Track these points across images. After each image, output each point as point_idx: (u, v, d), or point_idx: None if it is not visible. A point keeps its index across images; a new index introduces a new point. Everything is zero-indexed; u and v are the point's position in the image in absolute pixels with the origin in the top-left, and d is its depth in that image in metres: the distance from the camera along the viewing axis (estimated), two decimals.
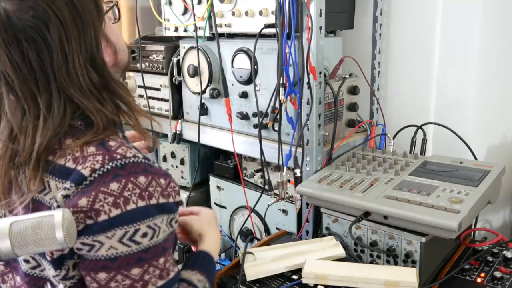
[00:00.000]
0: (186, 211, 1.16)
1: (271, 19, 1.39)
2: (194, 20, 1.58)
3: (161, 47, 1.79)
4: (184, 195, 1.90)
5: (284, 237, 1.40)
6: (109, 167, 0.80)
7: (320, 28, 1.32)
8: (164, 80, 1.82)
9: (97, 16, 0.88)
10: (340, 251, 1.21)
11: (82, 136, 0.84)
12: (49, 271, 0.84)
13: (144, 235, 0.79)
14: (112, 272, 0.79)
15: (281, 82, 1.35)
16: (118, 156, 0.81)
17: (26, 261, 0.87)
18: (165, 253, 0.84)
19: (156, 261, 0.82)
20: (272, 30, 1.37)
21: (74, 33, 0.83)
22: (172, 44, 1.79)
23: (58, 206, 0.79)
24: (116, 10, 1.00)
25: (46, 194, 0.83)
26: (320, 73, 1.36)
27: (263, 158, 1.47)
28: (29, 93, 0.83)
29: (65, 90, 0.83)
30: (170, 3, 1.68)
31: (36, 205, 0.84)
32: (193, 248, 1.74)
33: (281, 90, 1.36)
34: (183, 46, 1.71)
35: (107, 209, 0.77)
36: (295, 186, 1.37)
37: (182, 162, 1.92)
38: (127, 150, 0.83)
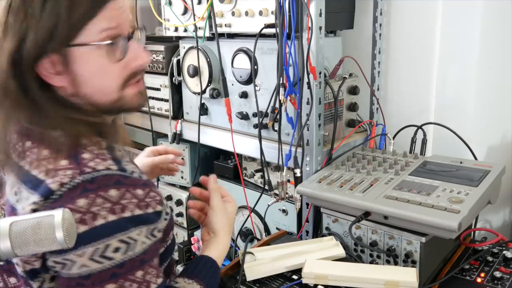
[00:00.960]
0: (220, 192, 1.09)
1: (271, 19, 1.39)
2: (194, 20, 1.58)
3: (161, 47, 1.79)
4: (184, 195, 1.90)
5: (284, 237, 1.40)
6: (78, 181, 0.77)
7: (320, 28, 1.32)
8: (164, 80, 1.82)
9: (66, 27, 0.79)
10: (340, 251, 1.21)
11: (48, 143, 0.82)
12: (28, 280, 0.84)
13: (116, 250, 0.77)
14: None
15: (281, 82, 1.35)
16: (88, 170, 0.78)
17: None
18: (144, 266, 0.81)
19: (133, 275, 0.79)
20: (272, 30, 1.37)
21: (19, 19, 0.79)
22: (172, 44, 1.79)
23: None
24: (121, 50, 0.85)
25: (19, 202, 0.82)
26: (320, 73, 1.36)
27: (263, 158, 1.47)
28: None
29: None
30: (170, 3, 1.69)
31: (11, 211, 0.83)
32: (193, 241, 1.73)
33: (281, 90, 1.36)
34: (183, 46, 1.71)
35: None
36: (295, 186, 1.37)
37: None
38: (99, 163, 0.80)
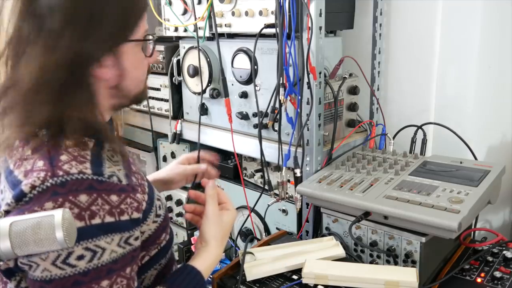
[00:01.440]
0: (219, 198, 1.07)
1: (271, 19, 1.39)
2: (195, 19, 1.58)
3: (161, 47, 1.79)
4: (184, 195, 1.90)
5: (284, 237, 1.40)
6: (49, 184, 0.76)
7: (320, 28, 1.32)
8: (164, 80, 1.82)
9: (118, 30, 0.86)
10: (340, 251, 1.21)
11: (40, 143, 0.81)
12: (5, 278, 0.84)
13: (80, 257, 0.76)
14: None
15: (281, 82, 1.35)
16: (61, 173, 0.77)
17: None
18: (111, 275, 0.79)
19: (97, 284, 0.77)
20: (272, 30, 1.37)
21: (79, 23, 0.82)
22: (172, 44, 1.79)
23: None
24: (151, 47, 0.95)
25: (2, 201, 0.82)
26: (320, 73, 1.36)
27: (263, 158, 1.47)
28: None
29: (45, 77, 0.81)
30: (170, 3, 1.69)
31: None
32: (193, 240, 1.73)
33: (281, 90, 1.36)
34: (183, 46, 1.71)
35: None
36: (295, 186, 1.37)
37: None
38: (74, 166, 0.78)
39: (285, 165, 1.42)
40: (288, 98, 1.36)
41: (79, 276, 0.76)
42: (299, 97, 1.36)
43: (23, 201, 0.76)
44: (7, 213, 0.76)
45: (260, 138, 1.45)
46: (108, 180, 0.80)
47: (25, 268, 0.78)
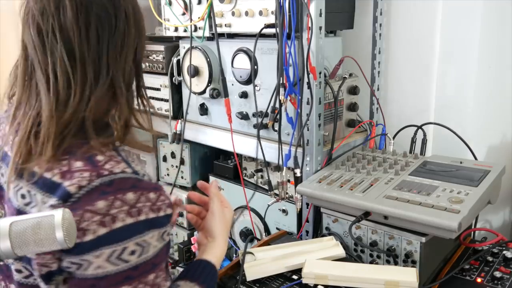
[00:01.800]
0: (217, 196, 1.11)
1: (271, 19, 1.39)
2: (191, 21, 1.58)
3: (161, 47, 1.79)
4: (184, 195, 1.90)
5: (284, 237, 1.40)
6: (97, 184, 0.78)
7: (320, 28, 1.32)
8: (164, 80, 1.82)
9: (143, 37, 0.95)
10: (340, 251, 1.21)
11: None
12: (41, 284, 0.84)
13: (133, 252, 0.78)
14: None
15: (281, 82, 1.35)
16: (106, 172, 0.79)
17: (18, 271, 0.87)
18: (155, 269, 0.82)
19: (145, 277, 0.81)
20: (272, 30, 1.37)
21: (133, 33, 0.89)
22: (172, 44, 1.79)
23: None
24: None
25: (33, 207, 0.82)
26: (320, 73, 1.36)
27: (262, 157, 1.47)
28: (81, 59, 0.84)
29: (110, 73, 0.86)
30: (170, 3, 1.68)
31: (17, 214, 0.83)
32: (193, 240, 1.73)
33: (281, 90, 1.36)
34: (183, 46, 1.71)
35: (94, 228, 0.76)
36: (295, 186, 1.37)
37: (182, 162, 1.92)
38: (115, 165, 0.81)
39: (286, 165, 1.42)
40: (288, 98, 1.36)
41: (131, 271, 0.79)
42: (299, 97, 1.36)
43: (69, 202, 0.78)
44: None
45: (258, 137, 1.45)
46: (144, 179, 0.83)
47: (73, 268, 0.79)
